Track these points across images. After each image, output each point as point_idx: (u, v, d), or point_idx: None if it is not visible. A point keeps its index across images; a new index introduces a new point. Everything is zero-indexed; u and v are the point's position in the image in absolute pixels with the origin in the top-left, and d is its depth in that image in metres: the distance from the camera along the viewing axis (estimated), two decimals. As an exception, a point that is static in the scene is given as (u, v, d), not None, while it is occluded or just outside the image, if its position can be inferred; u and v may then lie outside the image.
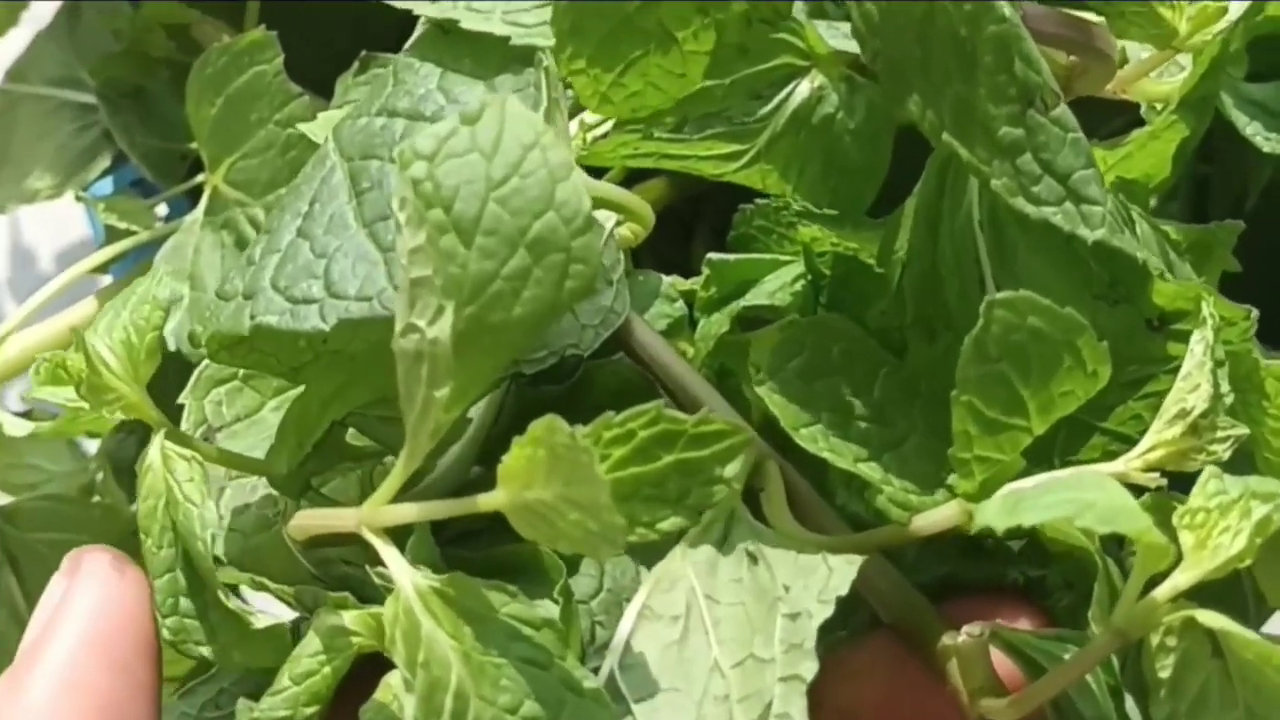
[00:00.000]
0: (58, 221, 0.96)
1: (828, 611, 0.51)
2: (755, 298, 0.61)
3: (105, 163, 0.93)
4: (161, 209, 0.89)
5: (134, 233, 0.83)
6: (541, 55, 0.56)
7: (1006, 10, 0.50)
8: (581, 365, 0.59)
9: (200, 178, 0.78)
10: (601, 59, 0.53)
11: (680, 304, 0.63)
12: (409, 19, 0.60)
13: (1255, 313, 0.56)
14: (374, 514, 0.50)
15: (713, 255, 0.63)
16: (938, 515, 0.53)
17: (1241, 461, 0.56)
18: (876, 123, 0.62)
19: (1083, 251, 0.54)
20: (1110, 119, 0.68)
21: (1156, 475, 0.52)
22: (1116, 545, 0.55)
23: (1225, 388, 0.52)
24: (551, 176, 0.46)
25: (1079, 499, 0.45)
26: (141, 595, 0.56)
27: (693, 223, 0.80)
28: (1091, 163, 0.52)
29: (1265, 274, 0.72)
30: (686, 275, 0.74)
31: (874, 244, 0.60)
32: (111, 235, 0.85)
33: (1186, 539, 0.48)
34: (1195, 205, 0.82)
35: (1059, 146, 0.51)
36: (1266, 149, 0.65)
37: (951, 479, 0.51)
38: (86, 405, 0.56)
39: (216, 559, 0.56)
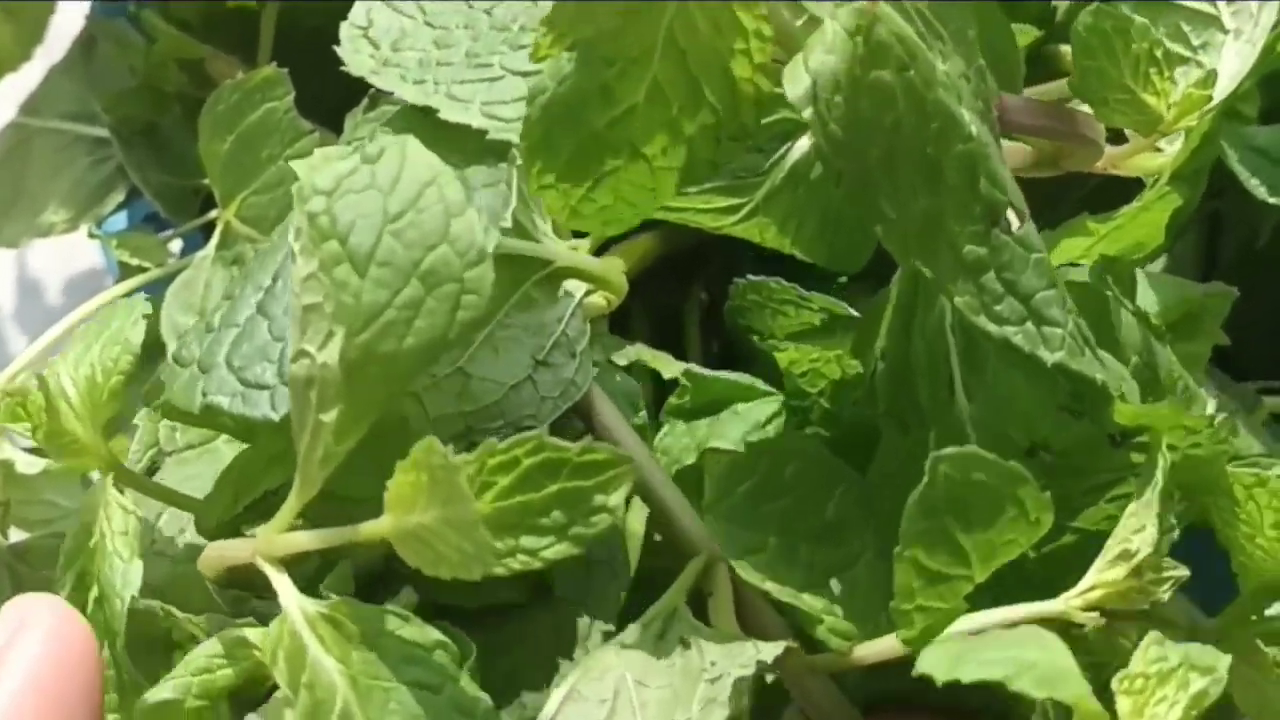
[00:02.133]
0: (65, 251, 0.96)
1: (747, 672, 0.52)
2: (722, 439, 0.61)
3: (120, 197, 0.93)
4: (175, 244, 0.89)
5: (147, 268, 0.83)
6: (515, 153, 0.56)
7: (973, 129, 0.50)
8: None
9: (213, 213, 0.78)
10: (571, 174, 0.52)
11: (644, 414, 0.63)
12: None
13: (1221, 418, 0.55)
14: (268, 543, 0.51)
15: (692, 368, 0.63)
16: (878, 648, 0.53)
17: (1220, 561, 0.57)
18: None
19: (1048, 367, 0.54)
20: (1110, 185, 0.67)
21: (1095, 615, 0.52)
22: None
23: (1172, 523, 0.52)
24: (447, 212, 0.48)
25: (1019, 658, 0.45)
26: (87, 644, 0.56)
27: (689, 269, 0.80)
28: (1054, 284, 0.51)
29: (1277, 310, 0.71)
30: (678, 321, 0.74)
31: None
32: (125, 270, 0.85)
33: (1124, 705, 0.48)
34: (1206, 241, 0.82)
35: (1022, 267, 0.51)
36: (1272, 201, 0.64)
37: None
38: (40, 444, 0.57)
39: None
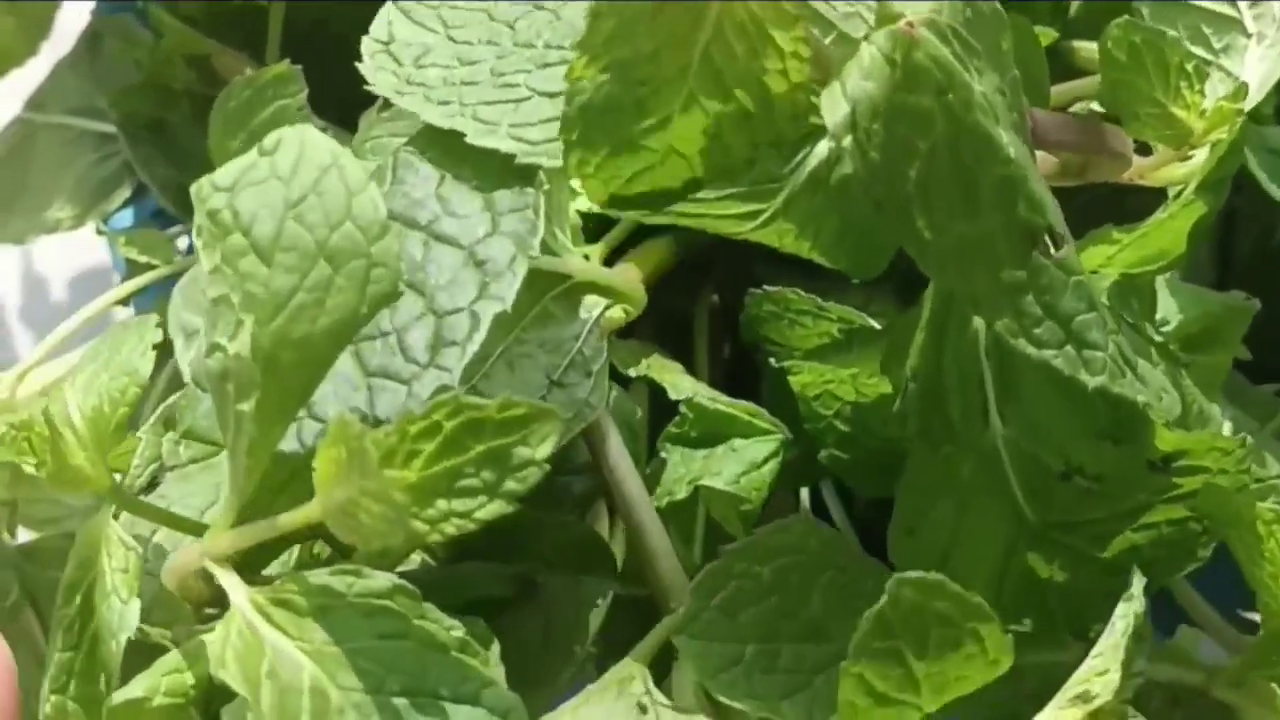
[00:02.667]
0: (72, 247, 0.95)
1: None
2: (717, 477, 0.60)
3: (126, 193, 0.92)
4: (183, 242, 0.89)
5: (155, 265, 0.83)
6: (542, 178, 0.56)
7: (1011, 151, 0.49)
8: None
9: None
10: (609, 169, 0.52)
11: (642, 441, 0.64)
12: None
13: (1250, 441, 0.55)
14: (214, 543, 0.51)
15: (695, 397, 0.63)
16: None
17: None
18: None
19: (1087, 390, 0.53)
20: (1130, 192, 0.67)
21: None
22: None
23: (1139, 665, 0.51)
24: (348, 190, 0.48)
25: None
26: (5, 681, 0.55)
27: (701, 272, 0.79)
28: (1094, 306, 0.51)
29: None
30: (688, 329, 0.74)
31: (875, 363, 0.60)
32: (132, 268, 0.84)
33: None
34: (1222, 238, 0.82)
35: (1062, 290, 0.51)
36: (1291, 204, 0.64)
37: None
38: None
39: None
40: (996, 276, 0.50)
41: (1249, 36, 0.64)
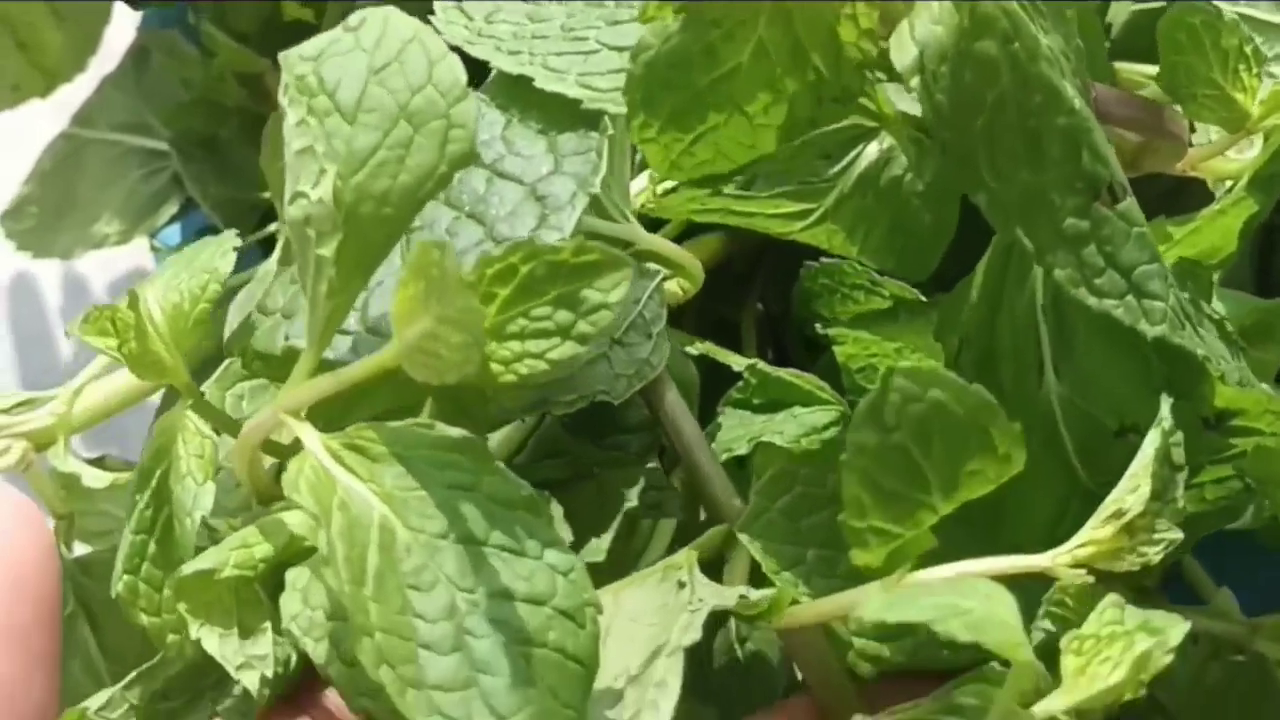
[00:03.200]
0: (111, 252, 0.96)
1: (727, 604, 0.53)
2: (777, 437, 0.60)
3: (173, 209, 0.93)
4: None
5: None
6: (608, 123, 0.57)
7: (1076, 103, 0.50)
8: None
9: (273, 226, 0.78)
10: (672, 129, 0.52)
11: (694, 406, 0.64)
12: (486, 69, 0.60)
13: None
14: (290, 396, 0.51)
15: (758, 364, 0.63)
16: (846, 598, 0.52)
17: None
18: (944, 186, 0.63)
19: (1144, 347, 0.54)
20: (1178, 194, 0.67)
21: (1082, 572, 0.51)
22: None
23: (1178, 492, 0.51)
24: (429, 59, 0.50)
25: (955, 605, 0.44)
26: (47, 556, 0.55)
27: (747, 280, 0.80)
28: (1156, 258, 0.51)
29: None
30: (735, 335, 0.74)
31: (921, 336, 0.60)
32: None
33: (1069, 664, 0.47)
34: (1262, 248, 0.82)
35: (1123, 240, 0.51)
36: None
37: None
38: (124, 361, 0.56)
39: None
40: (1059, 226, 0.50)
41: (1300, 46, 0.65)
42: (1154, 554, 0.50)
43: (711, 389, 0.67)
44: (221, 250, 0.58)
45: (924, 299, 0.63)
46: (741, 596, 0.53)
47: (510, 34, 0.58)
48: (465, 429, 0.49)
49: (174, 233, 0.94)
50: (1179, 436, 0.51)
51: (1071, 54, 0.54)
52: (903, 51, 0.49)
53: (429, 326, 0.47)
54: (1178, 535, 0.51)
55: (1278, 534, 0.59)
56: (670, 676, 0.51)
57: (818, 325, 0.66)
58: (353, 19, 0.51)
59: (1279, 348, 0.63)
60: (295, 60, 0.50)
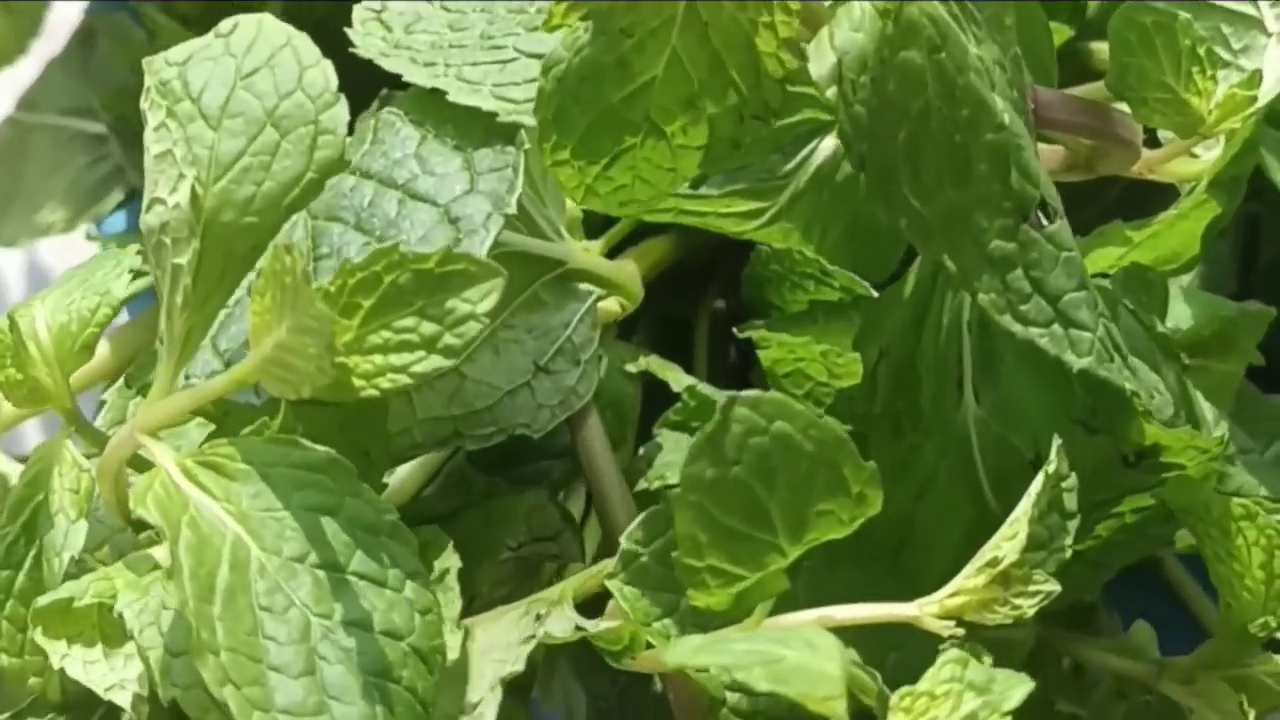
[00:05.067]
0: (75, 243, 0.94)
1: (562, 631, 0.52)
2: None
3: (119, 197, 0.91)
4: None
5: (148, 272, 0.81)
6: (523, 137, 0.55)
7: (1005, 118, 0.48)
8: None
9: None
10: (586, 151, 0.50)
11: (631, 424, 0.64)
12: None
13: (1227, 437, 0.54)
14: (147, 415, 0.50)
15: (698, 386, 0.61)
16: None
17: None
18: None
19: (1068, 375, 0.51)
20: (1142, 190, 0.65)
21: (952, 624, 0.49)
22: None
23: (1066, 540, 0.49)
24: (300, 63, 0.49)
25: (767, 653, 0.43)
26: None
27: (704, 276, 0.78)
28: (1085, 285, 0.49)
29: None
30: (690, 333, 0.72)
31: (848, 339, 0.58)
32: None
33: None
34: (1244, 244, 0.79)
35: (1051, 265, 0.49)
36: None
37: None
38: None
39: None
40: (984, 248, 0.49)
41: (1269, 36, 0.62)
42: (1028, 607, 0.48)
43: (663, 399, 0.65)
44: (117, 270, 0.56)
45: (875, 294, 0.60)
46: (578, 627, 0.52)
47: (428, 45, 0.57)
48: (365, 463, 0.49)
49: (120, 220, 0.91)
50: (1072, 481, 0.49)
51: (1008, 63, 0.51)
52: (821, 59, 0.47)
53: (282, 337, 0.45)
54: (1055, 588, 0.49)
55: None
56: (487, 710, 0.50)
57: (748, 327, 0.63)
58: (224, 25, 0.50)
59: (1242, 359, 0.61)
60: (160, 65, 0.50)
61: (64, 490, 0.53)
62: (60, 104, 0.93)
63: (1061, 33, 0.68)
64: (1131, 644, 0.59)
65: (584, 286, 0.60)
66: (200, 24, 0.85)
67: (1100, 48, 0.73)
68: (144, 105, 0.50)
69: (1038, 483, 0.49)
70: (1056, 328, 0.49)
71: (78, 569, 0.53)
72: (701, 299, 0.78)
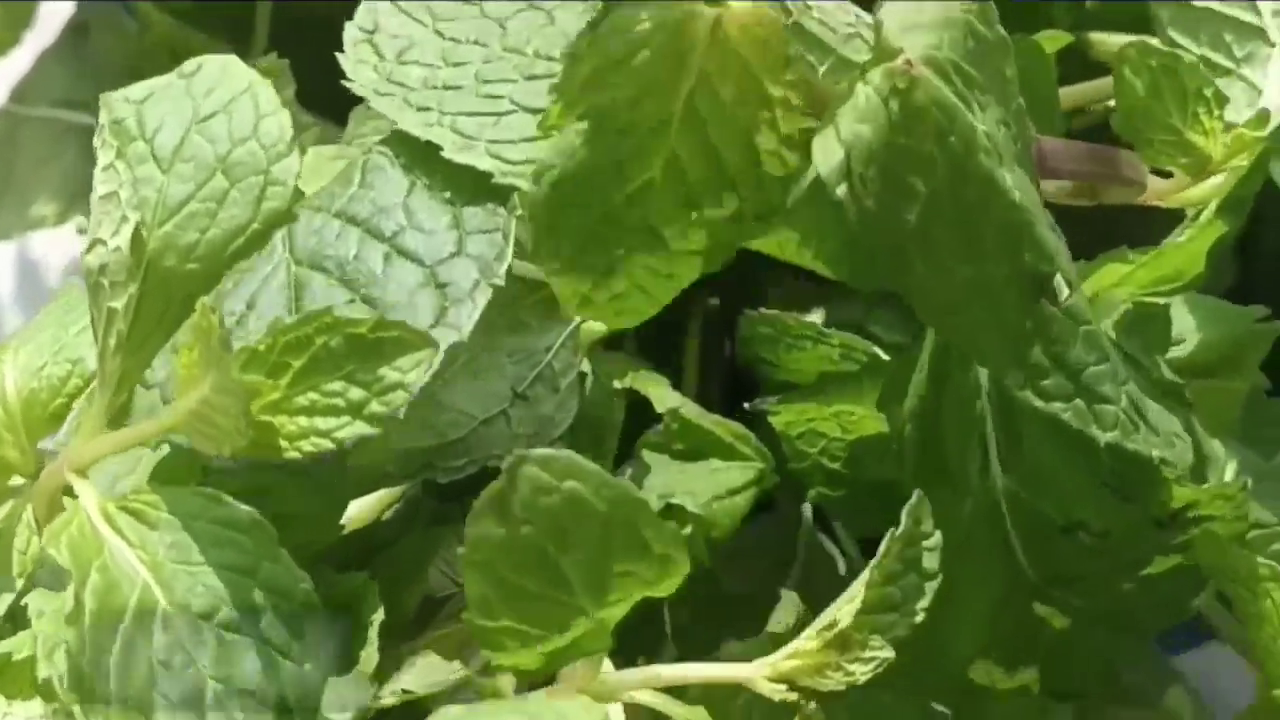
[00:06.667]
0: (67, 234, 0.94)
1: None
2: (688, 499, 0.57)
3: (112, 189, 0.90)
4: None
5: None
6: (516, 202, 0.53)
7: (1015, 195, 0.47)
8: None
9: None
10: (583, 260, 0.49)
11: (611, 442, 0.62)
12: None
13: (1249, 485, 0.53)
14: (76, 454, 0.50)
15: (681, 408, 0.60)
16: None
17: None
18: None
19: (1094, 443, 0.51)
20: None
21: (782, 688, 0.48)
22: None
23: (921, 603, 0.48)
24: (258, 112, 0.50)
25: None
26: None
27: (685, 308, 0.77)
28: (1105, 357, 0.49)
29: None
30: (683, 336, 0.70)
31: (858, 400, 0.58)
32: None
33: None
34: (1243, 240, 0.79)
35: (1071, 340, 0.49)
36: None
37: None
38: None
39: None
40: (1001, 326, 0.48)
41: (1272, 45, 0.61)
42: (862, 674, 0.47)
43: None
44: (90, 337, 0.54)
45: (878, 352, 0.60)
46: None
47: (421, 80, 0.54)
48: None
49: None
50: (934, 540, 0.48)
51: (1012, 120, 0.50)
52: (827, 155, 0.46)
53: (206, 394, 0.45)
54: (889, 654, 0.48)
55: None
56: None
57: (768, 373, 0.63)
58: (188, 65, 0.50)
59: (1246, 377, 0.61)
60: (118, 102, 0.50)
61: (15, 551, 0.52)
62: (53, 96, 0.92)
63: (1058, 39, 0.67)
64: (1165, 711, 0.60)
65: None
66: (192, 18, 0.85)
67: (1101, 39, 0.72)
68: (96, 143, 0.50)
69: (884, 544, 0.48)
70: (1079, 403, 0.49)
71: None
72: (694, 297, 0.77)
